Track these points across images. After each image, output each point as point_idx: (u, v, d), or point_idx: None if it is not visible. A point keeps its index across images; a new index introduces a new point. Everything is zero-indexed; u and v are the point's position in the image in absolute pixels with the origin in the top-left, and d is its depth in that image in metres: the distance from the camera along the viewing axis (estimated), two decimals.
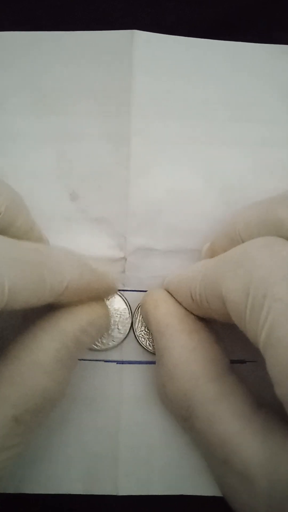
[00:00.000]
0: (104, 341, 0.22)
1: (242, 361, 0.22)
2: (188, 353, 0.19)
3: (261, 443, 0.16)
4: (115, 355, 0.23)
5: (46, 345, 0.18)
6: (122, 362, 0.23)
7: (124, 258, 0.23)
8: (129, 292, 0.23)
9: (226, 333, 0.22)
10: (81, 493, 0.22)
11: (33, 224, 0.21)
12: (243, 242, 0.19)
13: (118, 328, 0.23)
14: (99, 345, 0.22)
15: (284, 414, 0.15)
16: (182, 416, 0.18)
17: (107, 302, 0.22)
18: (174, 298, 0.21)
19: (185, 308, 0.20)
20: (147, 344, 0.23)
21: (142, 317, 0.23)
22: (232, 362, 0.22)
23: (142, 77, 0.23)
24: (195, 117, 0.24)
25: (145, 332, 0.23)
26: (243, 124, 0.24)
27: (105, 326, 0.21)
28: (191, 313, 0.20)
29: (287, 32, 0.24)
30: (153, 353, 0.22)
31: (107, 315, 0.21)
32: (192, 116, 0.24)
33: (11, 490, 0.21)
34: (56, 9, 0.25)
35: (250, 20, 0.25)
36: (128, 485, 0.22)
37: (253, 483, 0.16)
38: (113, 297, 0.23)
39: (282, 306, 0.14)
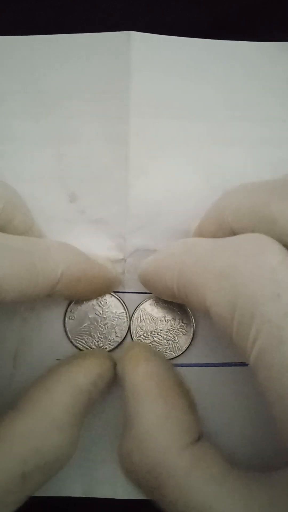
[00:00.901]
0: (100, 345, 0.22)
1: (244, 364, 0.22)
2: (160, 420, 0.17)
3: (237, 505, 0.15)
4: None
5: (60, 400, 0.18)
6: None
7: (124, 260, 0.23)
8: (128, 294, 0.23)
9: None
10: (80, 495, 0.22)
11: (32, 223, 0.21)
12: (232, 229, 0.18)
13: (115, 332, 0.22)
14: (95, 348, 0.22)
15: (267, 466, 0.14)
16: (150, 486, 0.17)
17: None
18: (152, 287, 0.20)
19: (167, 368, 0.19)
20: None
21: (117, 373, 0.20)
22: (234, 365, 0.22)
23: (140, 78, 0.23)
24: (194, 117, 0.23)
25: (144, 337, 0.22)
26: (243, 123, 0.23)
27: (112, 379, 0.20)
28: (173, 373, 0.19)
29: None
30: None
31: (113, 367, 0.20)
32: (191, 116, 0.23)
33: None
34: (55, 9, 0.25)
35: (250, 20, 0.25)
36: (128, 488, 0.21)
37: None
38: (110, 298, 0.23)
39: (271, 328, 0.14)
